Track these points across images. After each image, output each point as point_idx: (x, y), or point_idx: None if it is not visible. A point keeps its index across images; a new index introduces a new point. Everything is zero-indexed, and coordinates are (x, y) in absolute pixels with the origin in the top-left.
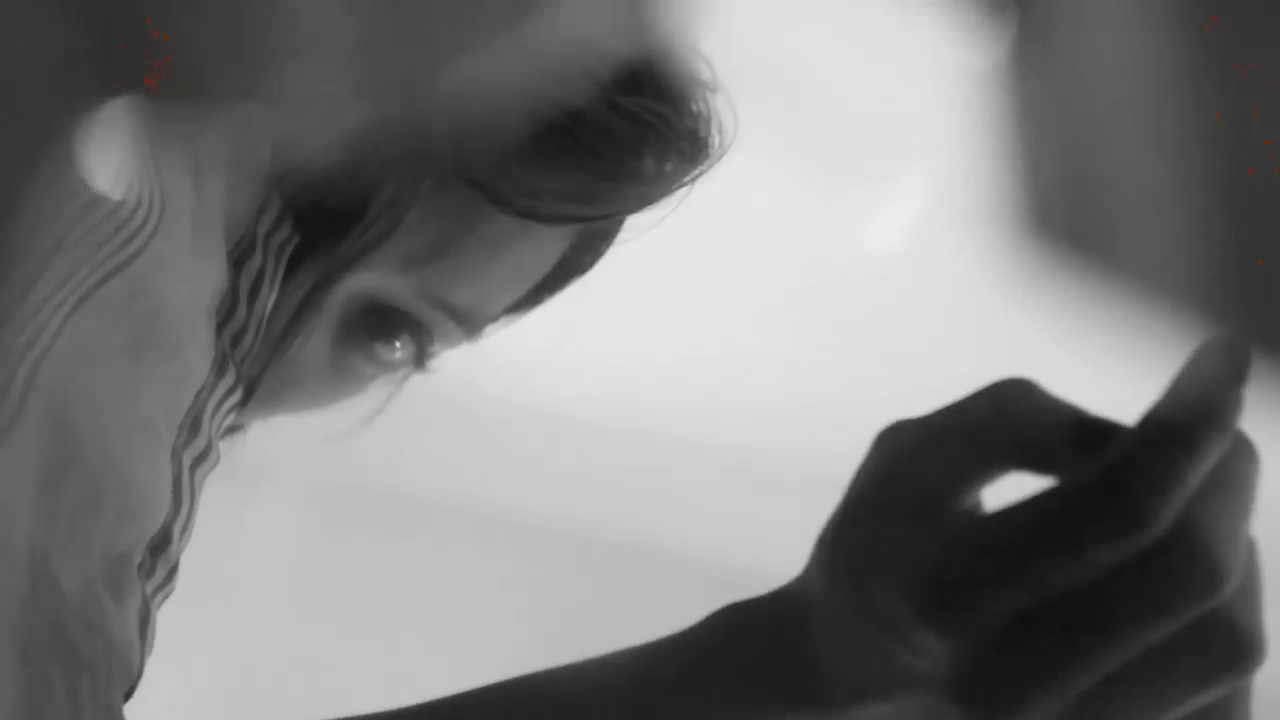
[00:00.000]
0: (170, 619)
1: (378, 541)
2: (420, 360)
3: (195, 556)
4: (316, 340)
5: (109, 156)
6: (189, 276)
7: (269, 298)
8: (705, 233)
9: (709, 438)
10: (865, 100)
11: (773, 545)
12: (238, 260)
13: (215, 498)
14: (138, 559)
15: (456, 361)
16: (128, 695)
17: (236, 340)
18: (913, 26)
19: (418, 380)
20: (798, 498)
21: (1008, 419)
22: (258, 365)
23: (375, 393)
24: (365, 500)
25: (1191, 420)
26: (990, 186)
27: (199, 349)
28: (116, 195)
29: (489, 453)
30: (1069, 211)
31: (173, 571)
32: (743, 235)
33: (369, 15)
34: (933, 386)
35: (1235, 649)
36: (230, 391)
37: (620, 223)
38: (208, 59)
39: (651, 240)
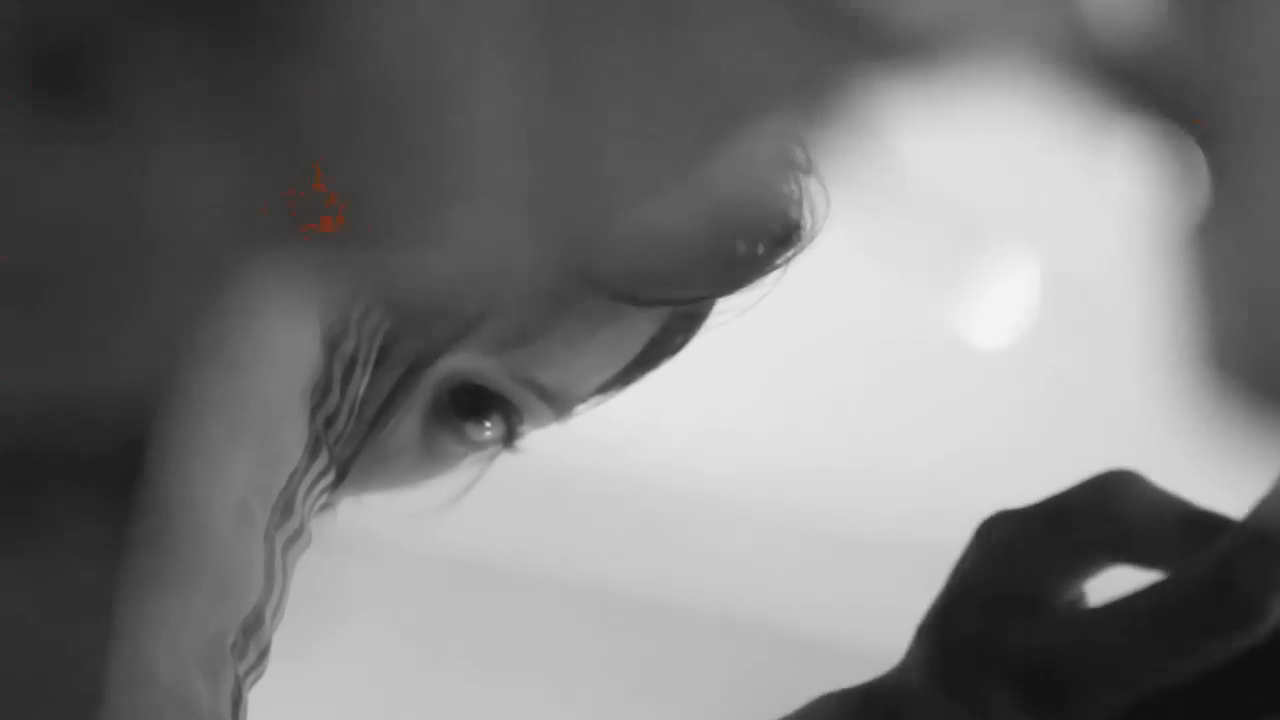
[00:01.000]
0: (261, 698)
1: (471, 614)
2: (510, 440)
3: (287, 635)
4: (408, 420)
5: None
6: (284, 360)
7: (362, 381)
8: (819, 314)
9: (810, 510)
10: (993, 202)
11: (865, 619)
12: (332, 343)
13: (308, 574)
14: (231, 640)
15: (550, 434)
16: None
17: (330, 423)
18: (1078, 151)
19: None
20: (895, 573)
21: (1113, 511)
22: (350, 447)
23: (465, 470)
24: (459, 572)
25: None
26: (1159, 317)
27: (294, 432)
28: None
29: (581, 523)
30: (1251, 352)
31: (264, 652)
32: (854, 319)
33: (544, 159)
34: (1032, 477)
35: None
36: (323, 473)
37: (711, 304)
38: (377, 204)
39: (786, 322)
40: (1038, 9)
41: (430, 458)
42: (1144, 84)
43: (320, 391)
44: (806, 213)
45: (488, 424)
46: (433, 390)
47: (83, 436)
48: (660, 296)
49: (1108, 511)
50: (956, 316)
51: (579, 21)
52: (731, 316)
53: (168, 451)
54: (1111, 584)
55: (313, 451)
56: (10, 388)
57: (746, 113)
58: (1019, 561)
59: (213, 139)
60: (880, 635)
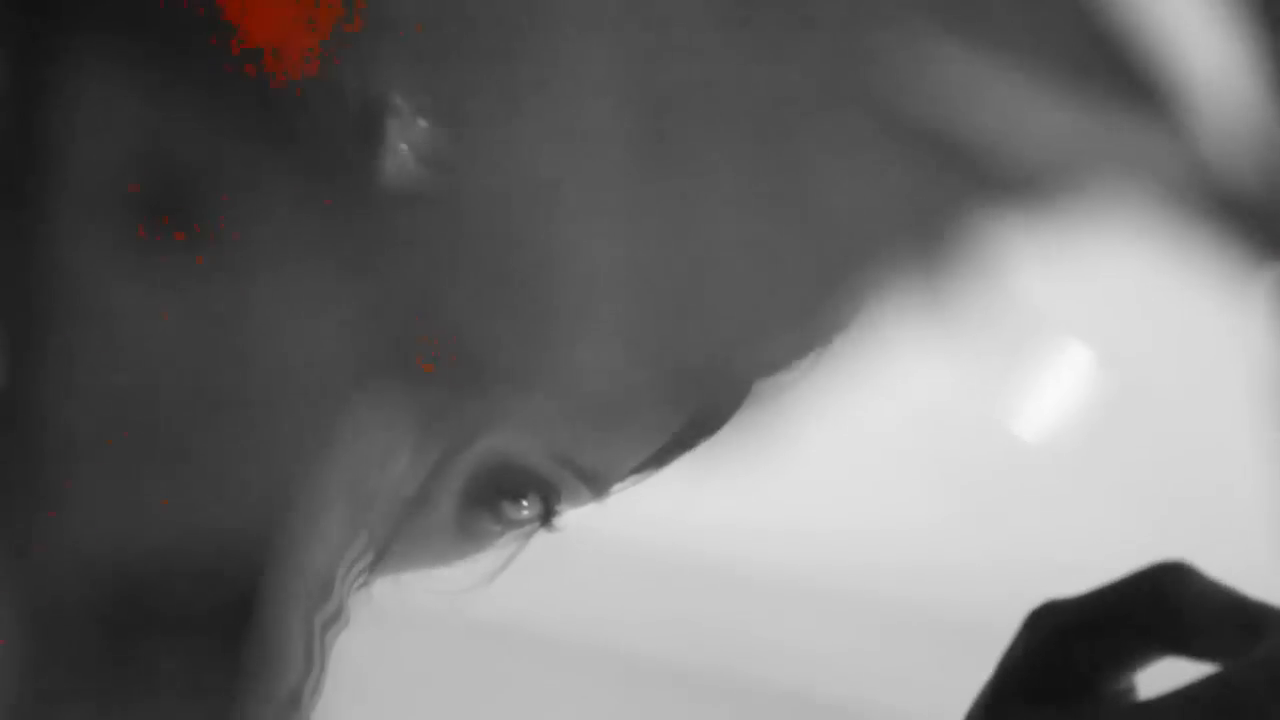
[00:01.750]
0: None
1: (524, 686)
2: (547, 519)
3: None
4: (445, 499)
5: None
6: (344, 455)
7: (402, 460)
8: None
9: (854, 590)
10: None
11: (913, 698)
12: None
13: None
14: None
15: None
16: None
17: (369, 503)
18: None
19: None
20: (941, 654)
21: (1165, 603)
22: (389, 527)
23: (502, 547)
24: (510, 643)
25: None
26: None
27: (335, 516)
28: None
29: (642, 600)
30: None
31: None
32: (904, 408)
33: (654, 299)
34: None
35: None
36: (361, 554)
37: (750, 385)
38: (486, 343)
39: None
40: (1156, 147)
41: (467, 536)
42: (1267, 226)
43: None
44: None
45: (525, 503)
46: (470, 469)
47: (194, 584)
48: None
49: (1160, 603)
50: (1024, 415)
51: (690, 158)
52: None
53: (277, 595)
54: (1162, 676)
55: (352, 533)
56: (120, 536)
57: (862, 252)
58: (1069, 652)
59: (323, 277)
60: (927, 714)
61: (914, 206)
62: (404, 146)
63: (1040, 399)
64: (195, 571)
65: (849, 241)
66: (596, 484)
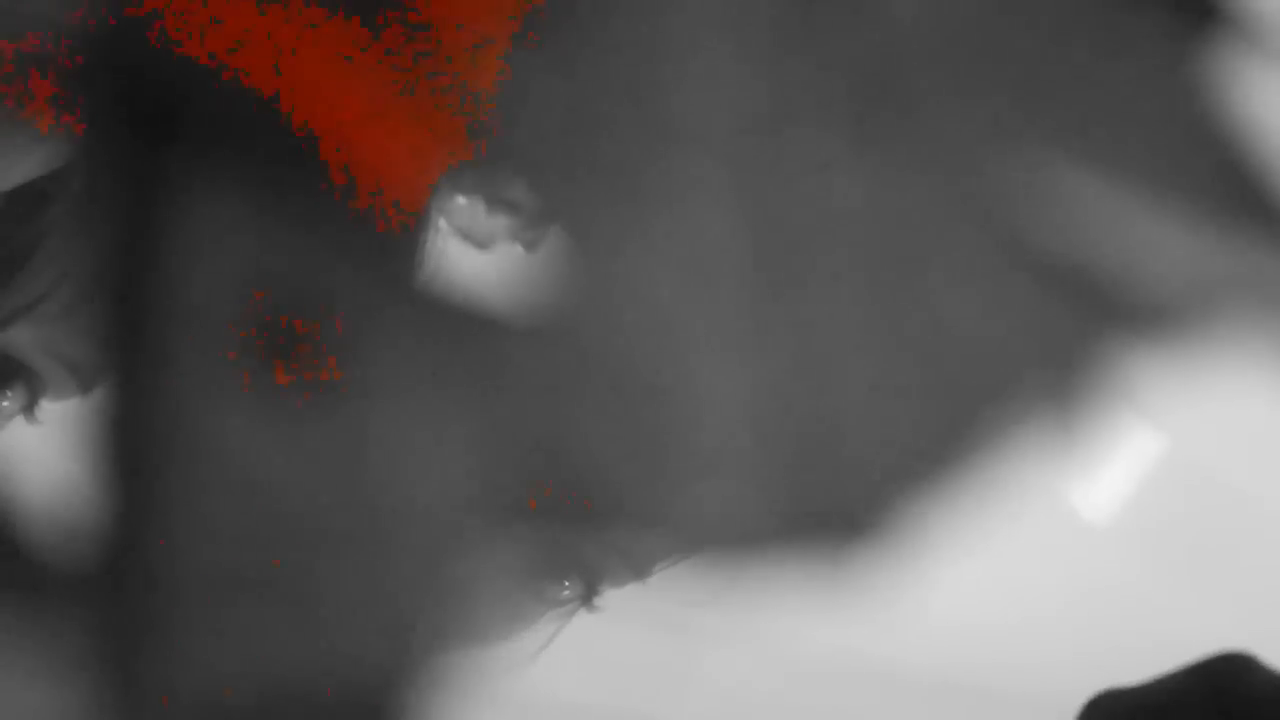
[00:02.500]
0: None
1: None
2: (588, 598)
3: None
4: (490, 581)
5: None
6: None
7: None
8: None
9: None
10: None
11: None
12: None
13: None
14: None
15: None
16: None
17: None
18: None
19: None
20: None
21: (1226, 692)
22: (443, 616)
23: (544, 625)
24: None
25: None
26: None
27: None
28: None
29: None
30: None
31: None
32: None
33: (782, 433)
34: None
35: None
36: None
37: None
38: (610, 480)
39: None
40: None
41: (511, 618)
42: None
43: None
44: None
45: (567, 584)
46: (514, 550)
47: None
48: None
49: (1221, 692)
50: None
51: (813, 287)
52: None
53: None
54: None
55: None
56: (244, 675)
57: (991, 385)
58: None
59: (443, 413)
60: None
61: (1043, 337)
62: (520, 274)
63: (1134, 501)
64: (319, 709)
65: (978, 375)
66: (640, 567)
